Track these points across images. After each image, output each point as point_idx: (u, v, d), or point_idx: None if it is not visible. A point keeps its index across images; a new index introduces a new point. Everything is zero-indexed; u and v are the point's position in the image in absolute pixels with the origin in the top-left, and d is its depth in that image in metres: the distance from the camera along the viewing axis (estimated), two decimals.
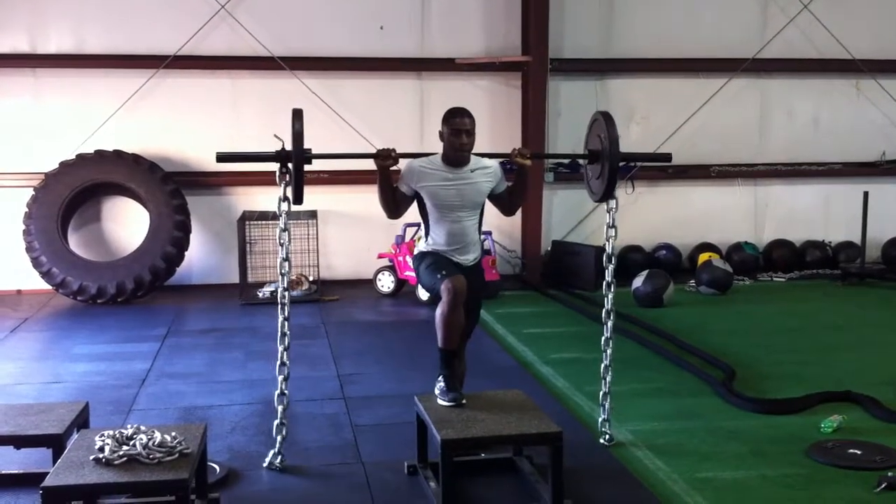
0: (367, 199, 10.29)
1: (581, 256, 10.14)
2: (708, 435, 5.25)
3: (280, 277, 4.79)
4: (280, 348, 4.79)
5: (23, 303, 9.40)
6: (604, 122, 4.89)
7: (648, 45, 10.83)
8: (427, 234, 4.87)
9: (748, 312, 8.88)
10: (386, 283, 9.68)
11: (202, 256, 10.21)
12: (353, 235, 10.31)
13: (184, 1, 9.86)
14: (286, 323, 4.77)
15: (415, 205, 4.91)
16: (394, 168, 4.79)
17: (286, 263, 4.78)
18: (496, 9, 10.55)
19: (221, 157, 4.83)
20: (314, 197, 10.01)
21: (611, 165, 4.84)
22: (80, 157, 9.56)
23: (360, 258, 10.23)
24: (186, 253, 9.75)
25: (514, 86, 10.61)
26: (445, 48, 10.42)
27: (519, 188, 4.93)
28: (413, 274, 9.27)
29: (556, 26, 10.47)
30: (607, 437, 5.08)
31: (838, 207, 11.32)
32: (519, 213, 10.53)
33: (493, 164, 4.89)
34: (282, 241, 4.74)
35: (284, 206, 4.69)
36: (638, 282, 9.03)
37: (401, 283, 9.61)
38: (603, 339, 5.14)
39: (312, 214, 9.81)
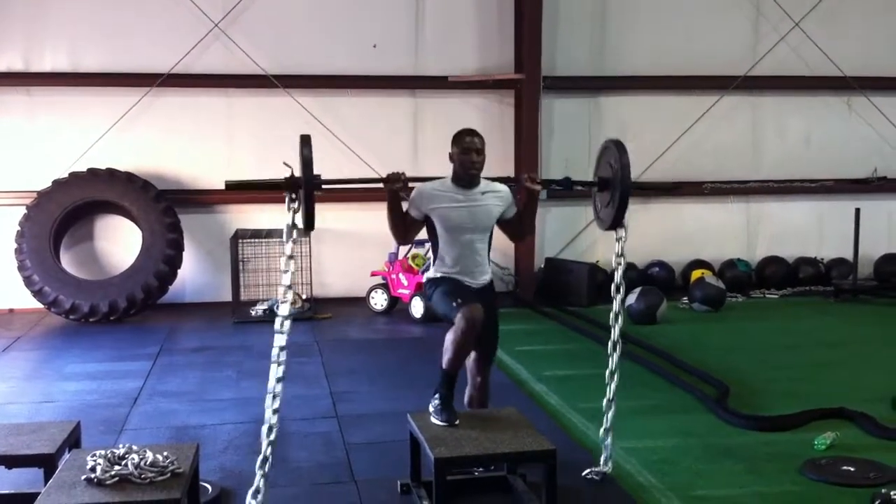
0: (361, 216, 10.44)
1: (574, 274, 10.16)
2: (702, 452, 5.24)
3: (281, 304, 4.43)
4: (272, 380, 4.36)
5: (15, 322, 9.36)
6: (615, 150, 4.85)
7: (641, 62, 10.88)
8: (436, 257, 4.87)
9: (741, 329, 8.89)
10: (379, 300, 9.68)
11: (195, 275, 10.20)
12: (346, 253, 10.31)
13: (178, 19, 9.88)
14: (283, 352, 4.34)
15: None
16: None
17: (290, 291, 4.45)
18: (489, 27, 10.59)
19: (231, 186, 4.70)
20: None
21: (622, 194, 4.79)
22: (74, 175, 9.55)
23: (353, 276, 10.22)
24: (179, 271, 9.74)
25: (507, 103, 10.64)
26: (439, 66, 10.46)
27: (529, 212, 4.94)
28: (406, 292, 9.35)
29: (548, 44, 10.52)
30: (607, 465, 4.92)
31: (831, 224, 11.36)
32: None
33: (504, 187, 4.89)
34: (286, 269, 4.41)
35: (294, 233, 4.47)
36: (631, 299, 9.02)
37: (394, 301, 9.60)
38: (607, 372, 4.89)
39: (305, 232, 9.79)
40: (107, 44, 9.88)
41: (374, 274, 9.79)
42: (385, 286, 9.65)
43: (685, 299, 9.91)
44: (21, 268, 9.27)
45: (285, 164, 4.64)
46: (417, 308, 9.15)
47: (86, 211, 9.75)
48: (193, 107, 10.11)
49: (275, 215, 9.95)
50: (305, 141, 4.52)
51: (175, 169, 10.09)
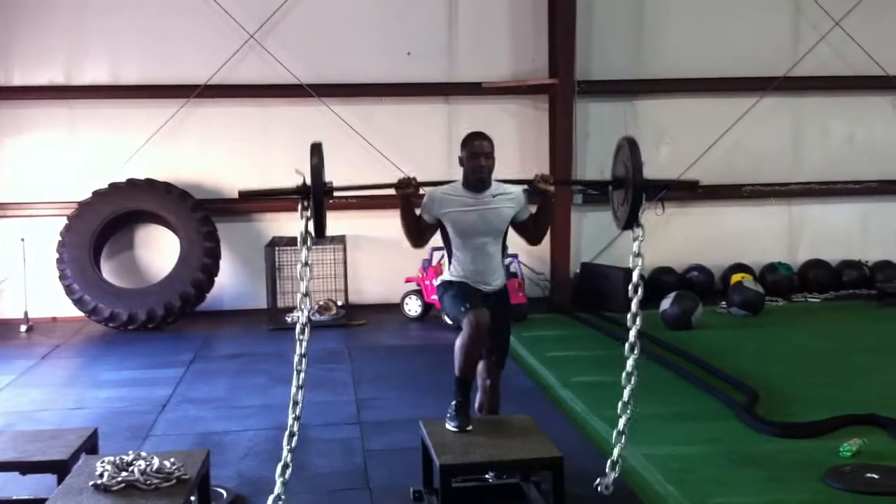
0: (396, 224, 10.39)
1: (610, 279, 10.05)
2: (724, 460, 5.15)
3: (300, 312, 4.42)
4: (294, 387, 4.32)
5: (57, 330, 9.55)
6: (628, 149, 4.73)
7: (678, 64, 10.74)
8: (450, 261, 4.88)
9: (779, 334, 8.72)
10: (413, 307, 9.69)
11: (233, 282, 10.31)
12: (381, 260, 10.32)
13: (214, 31, 10.01)
14: (303, 360, 4.31)
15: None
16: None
17: (307, 299, 4.44)
18: (523, 32, 10.56)
19: (244, 195, 4.83)
20: (343, 222, 10.15)
21: (634, 193, 4.67)
22: (113, 185, 9.73)
23: (388, 283, 10.23)
24: (217, 279, 9.86)
25: (542, 108, 10.60)
26: (473, 72, 10.45)
27: (543, 215, 4.89)
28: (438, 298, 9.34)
29: (583, 48, 10.45)
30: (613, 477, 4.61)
31: (875, 226, 11.12)
32: (548, 235, 10.67)
33: (516, 189, 4.87)
34: (302, 276, 4.44)
35: (308, 240, 4.47)
36: (666, 304, 8.91)
37: (428, 307, 9.61)
38: (623, 374, 4.61)
39: (341, 239, 9.87)
40: (145, 57, 10.06)
41: (408, 280, 9.81)
42: (419, 292, 9.66)
43: (723, 304, 9.76)
44: (62, 277, 9.45)
45: (297, 171, 4.67)
46: (448, 320, 9.12)
47: (125, 221, 9.92)
48: (230, 117, 10.24)
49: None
50: (315, 149, 4.51)
51: (212, 178, 10.22)
